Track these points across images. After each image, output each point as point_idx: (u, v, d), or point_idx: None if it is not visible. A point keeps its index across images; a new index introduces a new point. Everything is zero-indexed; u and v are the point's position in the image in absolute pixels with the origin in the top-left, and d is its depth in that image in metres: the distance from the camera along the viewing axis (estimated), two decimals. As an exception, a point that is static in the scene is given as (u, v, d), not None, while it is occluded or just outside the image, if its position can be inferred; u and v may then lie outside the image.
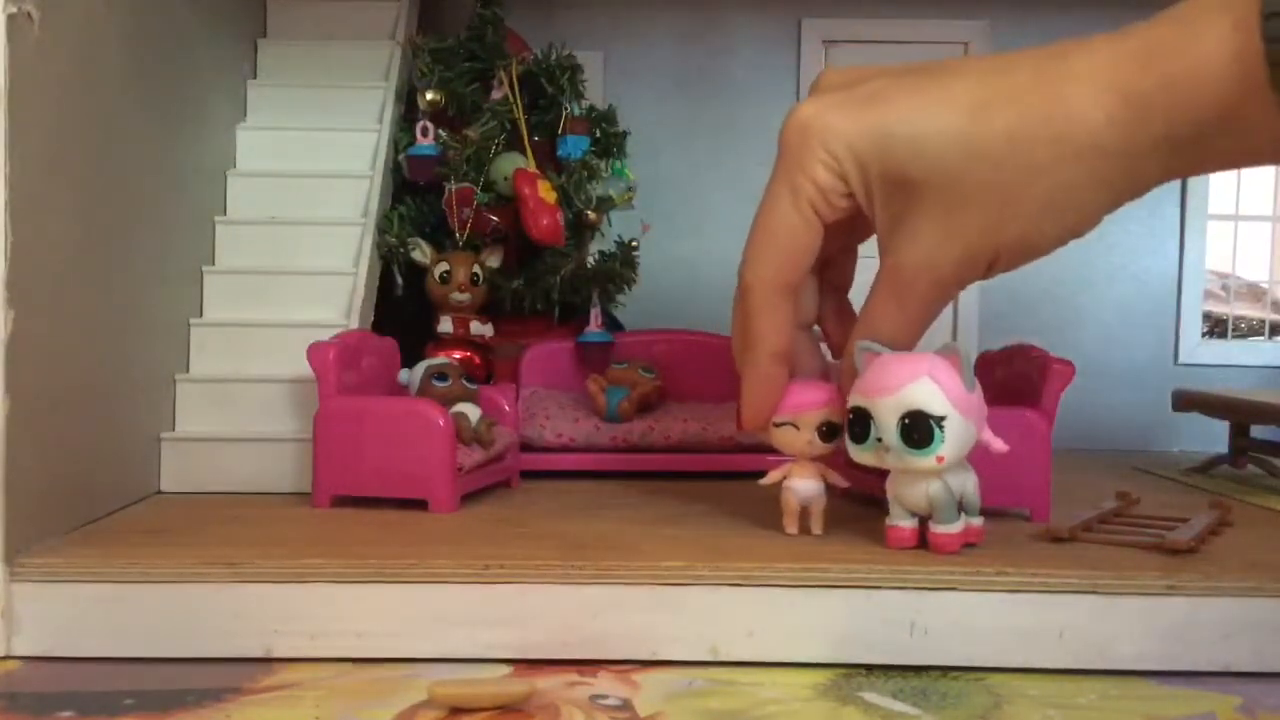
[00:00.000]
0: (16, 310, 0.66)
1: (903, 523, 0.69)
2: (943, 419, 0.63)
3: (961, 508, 0.69)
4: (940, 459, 0.64)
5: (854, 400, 0.66)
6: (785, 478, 0.73)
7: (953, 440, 0.64)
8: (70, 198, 0.75)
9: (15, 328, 0.66)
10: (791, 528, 0.73)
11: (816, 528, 0.73)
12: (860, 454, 0.67)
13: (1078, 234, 0.57)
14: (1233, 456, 1.21)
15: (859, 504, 0.78)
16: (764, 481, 0.74)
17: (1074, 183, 0.55)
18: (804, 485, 0.73)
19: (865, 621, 0.64)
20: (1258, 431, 1.22)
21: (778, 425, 0.71)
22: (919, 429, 0.63)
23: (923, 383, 0.63)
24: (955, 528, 0.68)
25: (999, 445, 0.68)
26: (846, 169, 0.60)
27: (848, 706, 0.57)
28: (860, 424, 0.66)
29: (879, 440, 0.65)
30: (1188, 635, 0.64)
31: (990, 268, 0.60)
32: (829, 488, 0.73)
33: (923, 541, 0.69)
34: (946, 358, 0.65)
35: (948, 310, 1.66)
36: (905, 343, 0.66)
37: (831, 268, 0.74)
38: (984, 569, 0.65)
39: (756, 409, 0.71)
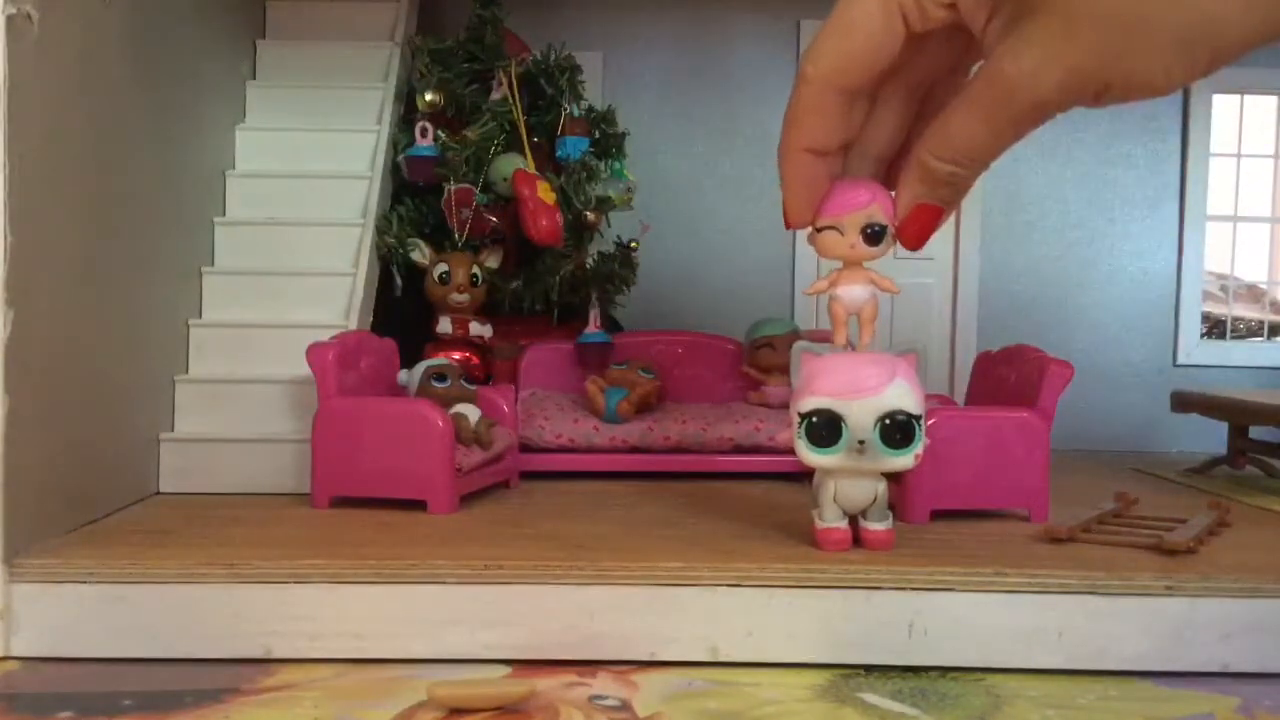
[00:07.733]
0: (16, 310, 0.66)
1: (840, 524, 0.69)
2: (919, 418, 0.65)
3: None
4: (918, 456, 0.65)
5: (817, 402, 0.65)
6: (831, 285, 0.67)
7: (922, 438, 0.65)
8: (69, 198, 0.75)
9: (15, 328, 0.66)
10: (840, 339, 0.67)
11: (866, 337, 0.67)
12: (825, 457, 0.65)
13: (1203, 74, 0.48)
14: (1231, 457, 1.21)
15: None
16: (808, 290, 0.68)
17: (1223, 13, 0.47)
18: (852, 292, 0.66)
19: (864, 622, 0.64)
20: (1256, 432, 1.22)
21: (819, 230, 0.62)
22: (902, 429, 0.64)
23: (899, 383, 0.64)
24: (890, 524, 0.70)
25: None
26: None
27: (846, 707, 0.57)
28: (831, 426, 0.64)
29: (860, 443, 0.64)
30: (1186, 636, 0.64)
31: (1098, 97, 0.52)
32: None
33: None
34: (906, 358, 0.66)
35: (946, 307, 1.68)
36: (981, 160, 0.58)
37: (932, 101, 0.62)
38: (982, 570, 0.65)
39: (790, 204, 0.60)
